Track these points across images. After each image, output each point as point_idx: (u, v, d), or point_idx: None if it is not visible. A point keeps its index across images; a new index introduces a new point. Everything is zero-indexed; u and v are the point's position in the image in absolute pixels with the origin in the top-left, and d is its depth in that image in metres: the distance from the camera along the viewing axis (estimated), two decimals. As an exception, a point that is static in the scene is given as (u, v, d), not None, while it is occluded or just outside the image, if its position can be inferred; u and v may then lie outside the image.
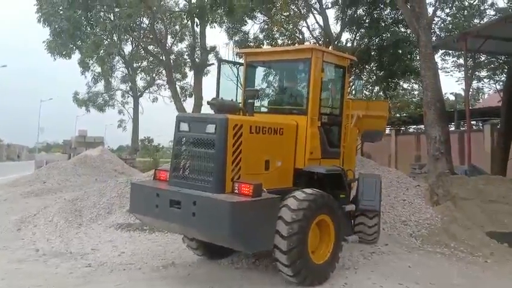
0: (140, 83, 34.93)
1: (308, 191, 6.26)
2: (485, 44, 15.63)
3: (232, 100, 6.93)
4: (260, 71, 7.68)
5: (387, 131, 31.68)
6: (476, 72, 28.25)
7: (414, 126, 33.68)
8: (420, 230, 9.58)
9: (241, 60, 7.79)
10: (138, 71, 34.17)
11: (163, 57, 25.16)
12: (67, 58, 19.30)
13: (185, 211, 5.57)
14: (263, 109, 7.58)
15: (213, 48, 25.80)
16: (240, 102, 7.43)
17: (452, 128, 26.58)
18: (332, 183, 7.02)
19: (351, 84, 8.17)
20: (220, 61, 7.62)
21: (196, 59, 24.81)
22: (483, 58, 26.41)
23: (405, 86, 32.84)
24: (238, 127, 5.83)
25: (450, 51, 26.32)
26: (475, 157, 20.72)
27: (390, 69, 26.33)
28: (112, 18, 20.77)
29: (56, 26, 17.66)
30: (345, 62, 7.46)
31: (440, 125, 10.46)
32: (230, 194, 5.61)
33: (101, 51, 19.28)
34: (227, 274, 6.67)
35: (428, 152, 10.40)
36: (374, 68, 29.79)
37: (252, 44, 27.22)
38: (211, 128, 5.77)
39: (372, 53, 27.58)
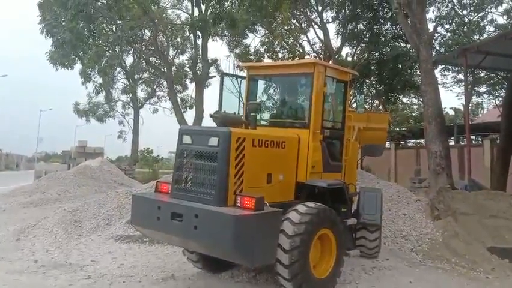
0: (141, 94, 35.11)
1: (310, 204, 6.25)
2: (485, 59, 15.74)
3: (234, 113, 6.96)
4: (262, 85, 7.73)
5: (387, 145, 31.79)
6: (476, 88, 28.42)
7: (414, 140, 33.71)
8: (421, 244, 9.54)
9: (243, 74, 7.85)
10: (139, 83, 34.32)
11: (165, 69, 25.30)
12: (69, 69, 19.42)
13: (187, 224, 5.55)
14: (265, 122, 7.60)
15: (215, 61, 25.97)
16: (242, 116, 7.45)
17: (452, 143, 26.63)
18: (333, 197, 7.01)
19: (353, 98, 8.21)
20: (223, 74, 7.67)
21: (198, 72, 24.94)
22: (482, 74, 26.60)
23: (404, 100, 33.10)
24: (241, 140, 5.85)
25: (450, 67, 26.54)
26: (475, 172, 20.72)
27: (390, 83, 26.52)
28: (115, 30, 20.91)
29: (59, 38, 17.79)
30: (346, 77, 7.51)
31: (440, 139, 10.48)
32: (232, 207, 5.60)
33: (103, 63, 19.35)
34: (227, 287, 6.63)
35: (429, 166, 10.42)
36: (373, 82, 29.98)
37: (252, 57, 27.41)
38: (214, 141, 5.78)
39: (372, 67, 27.78)
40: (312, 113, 6.79)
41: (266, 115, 7.70)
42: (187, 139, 6.11)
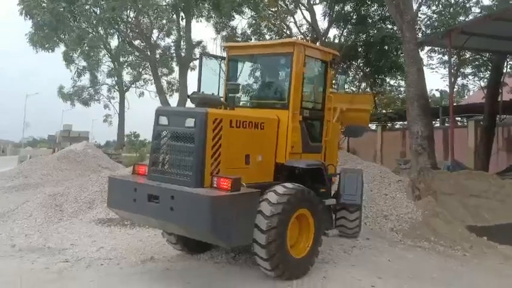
0: (126, 77, 34.63)
1: (288, 185, 6.25)
2: (470, 41, 15.74)
3: (213, 94, 6.88)
4: (243, 65, 7.63)
5: (373, 127, 31.93)
6: (461, 69, 28.54)
7: (401, 122, 33.88)
8: (402, 224, 9.64)
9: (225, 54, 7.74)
10: (124, 66, 33.85)
11: (148, 51, 24.99)
12: (50, 51, 18.96)
13: (164, 205, 5.52)
14: (245, 103, 7.54)
15: (199, 43, 25.66)
16: (222, 97, 7.38)
17: (437, 124, 26.82)
18: (312, 177, 7.01)
19: (335, 79, 8.16)
20: (202, 55, 7.55)
21: (182, 54, 24.64)
22: (468, 55, 26.69)
23: (391, 82, 33.14)
24: (218, 121, 5.79)
25: (436, 48, 26.56)
26: (459, 153, 20.93)
27: (376, 65, 26.50)
28: (98, 12, 20.45)
29: (39, 19, 17.35)
30: (327, 57, 7.44)
31: (422, 120, 10.51)
32: (209, 189, 5.57)
33: (85, 45, 18.94)
34: (206, 269, 6.64)
35: (410, 147, 10.46)
36: (361, 64, 29.94)
37: (239, 39, 27.14)
38: (190, 122, 5.72)
39: (359, 50, 27.69)
40: (292, 93, 6.74)
41: (246, 96, 7.64)
42: (163, 120, 6.04)
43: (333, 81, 8.18)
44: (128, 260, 7.00)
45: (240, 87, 6.90)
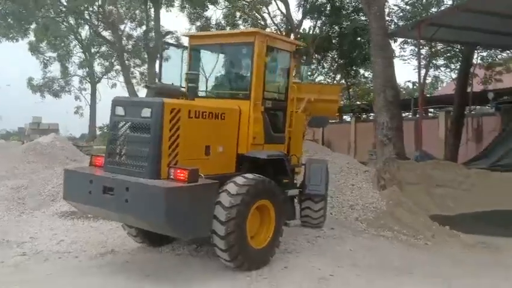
0: (98, 68, 33.95)
1: (249, 176, 6.22)
2: (439, 32, 15.98)
3: (172, 84, 6.78)
4: (205, 55, 7.52)
5: (347, 119, 32.22)
6: (434, 61, 28.94)
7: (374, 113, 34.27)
8: (367, 213, 9.76)
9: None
10: (96, 56, 33.18)
11: (117, 42, 24.60)
12: (15, 41, 18.30)
13: (118, 197, 5.43)
14: (208, 94, 7.44)
15: (168, 33, 25.29)
16: (183, 87, 7.27)
17: (410, 115, 27.22)
18: (275, 168, 6.99)
19: (302, 69, 8.14)
20: (163, 44, 7.41)
21: (151, 44, 24.25)
22: (440, 47, 27.08)
23: (366, 74, 33.47)
24: (175, 111, 5.69)
25: (409, 40, 26.89)
26: (430, 143, 21.30)
27: (350, 57, 26.70)
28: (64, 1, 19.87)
29: (1, 8, 16.72)
30: (290, 47, 7.40)
31: (388, 111, 10.61)
32: (165, 180, 5.49)
33: (50, 35, 18.31)
34: (166, 261, 6.58)
35: (376, 137, 10.57)
36: (335, 56, 30.11)
37: (214, 29, 26.92)
38: (146, 112, 5.61)
39: (333, 41, 27.84)
40: (253, 83, 6.68)
41: (208, 86, 7.54)
42: (119, 110, 5.91)
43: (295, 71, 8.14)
44: (87, 253, 6.88)
45: (199, 77, 6.78)
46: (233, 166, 6.72)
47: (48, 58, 20.61)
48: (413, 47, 29.11)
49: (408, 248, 8.01)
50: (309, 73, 8.44)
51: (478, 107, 25.63)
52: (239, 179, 6.07)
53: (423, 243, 8.34)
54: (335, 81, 33.49)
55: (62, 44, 30.58)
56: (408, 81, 33.49)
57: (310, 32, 27.65)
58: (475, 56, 24.48)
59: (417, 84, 34.19)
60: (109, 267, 6.23)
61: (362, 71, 31.31)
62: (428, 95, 33.64)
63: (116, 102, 6.02)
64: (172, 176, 5.50)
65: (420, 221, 9.36)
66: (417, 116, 27.87)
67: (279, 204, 6.54)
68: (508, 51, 23.40)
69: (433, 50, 26.76)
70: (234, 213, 5.79)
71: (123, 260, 6.59)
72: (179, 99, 6.40)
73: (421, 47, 27.38)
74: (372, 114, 34.59)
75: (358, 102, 31.63)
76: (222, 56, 7.58)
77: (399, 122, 16.23)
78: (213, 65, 7.35)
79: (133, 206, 5.33)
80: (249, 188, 6.00)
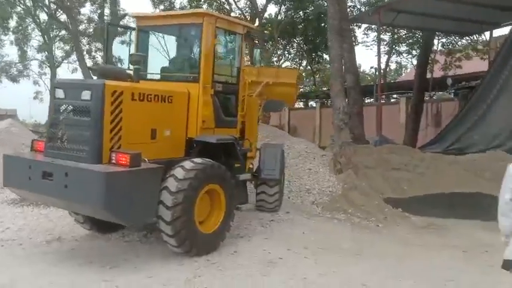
0: (58, 52, 32.77)
1: (197, 160, 6.14)
2: (399, 18, 16.14)
3: (118, 66, 6.57)
4: (153, 37, 7.32)
5: (313, 104, 32.40)
6: (396, 47, 29.36)
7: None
8: (322, 197, 9.84)
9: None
10: (56, 40, 32.02)
11: (70, 24, 23.86)
12: None
13: (58, 183, 5.26)
14: (157, 76, 7.26)
15: (124, 16, 24.54)
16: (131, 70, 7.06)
17: (372, 101, 27.60)
18: (225, 153, 6.92)
19: (254, 53, 8.06)
20: (108, 25, 7.15)
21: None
22: (403, 33, 27.46)
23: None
24: (117, 94, 5.52)
25: (372, 26, 27.16)
26: (391, 129, 21.66)
27: (314, 42, 26.72)
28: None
29: None
30: (241, 29, 7.28)
31: (344, 96, 10.67)
32: (107, 165, 5.33)
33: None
34: (114, 248, 6.46)
35: (332, 122, 10.64)
36: (300, 42, 30.07)
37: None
38: (86, 95, 5.42)
39: (299, 27, 27.77)
40: (202, 66, 6.56)
41: (157, 69, 7.35)
42: (60, 93, 5.69)
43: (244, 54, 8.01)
44: (33, 241, 6.68)
45: (148, 59, 6.57)
46: (182, 150, 6.62)
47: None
48: (376, 33, 29.58)
49: (359, 230, 8.13)
50: (262, 57, 8.37)
51: (440, 92, 26.21)
52: (187, 164, 5.98)
53: (374, 225, 8.49)
54: (300, 68, 33.61)
55: (20, 27, 29.37)
56: (372, 67, 33.85)
57: (276, 18, 27.47)
58: (436, 42, 25.03)
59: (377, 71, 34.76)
60: (54, 255, 6.06)
61: (326, 57, 31.43)
62: (392, 81, 34.19)
63: (57, 84, 5.81)
64: (114, 161, 5.35)
65: (374, 204, 9.52)
66: (382, 101, 28.42)
67: (229, 189, 6.49)
68: (466, 38, 23.91)
69: (396, 36, 27.12)
70: (181, 198, 5.70)
71: (69, 248, 6.43)
72: (126, 81, 6.22)
73: (384, 33, 27.81)
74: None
75: (324, 88, 31.78)
76: (170, 37, 7.39)
77: (359, 108, 16.42)
78: (161, 47, 7.17)
79: (72, 191, 5.17)
80: (197, 173, 5.91)
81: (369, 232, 7.99)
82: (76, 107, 5.54)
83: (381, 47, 30.78)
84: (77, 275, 5.28)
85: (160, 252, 6.17)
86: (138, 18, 7.25)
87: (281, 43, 28.47)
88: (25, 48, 31.25)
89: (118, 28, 15.84)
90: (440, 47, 25.94)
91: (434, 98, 24.30)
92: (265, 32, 26.01)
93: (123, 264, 5.80)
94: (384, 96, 29.66)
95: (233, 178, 6.85)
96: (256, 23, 25.43)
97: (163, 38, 7.32)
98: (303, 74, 34.85)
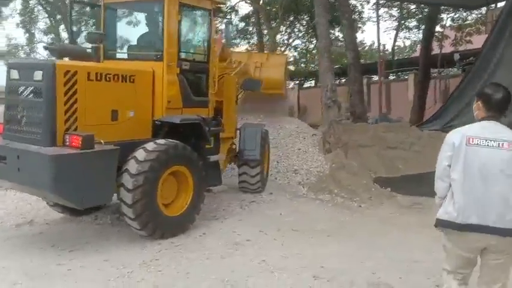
0: (64, 34, 32.69)
1: (161, 141, 5.99)
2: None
3: (78, 45, 6.40)
4: (118, 14, 7.09)
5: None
6: (406, 23, 28.49)
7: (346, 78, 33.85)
8: (310, 177, 9.63)
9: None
10: (62, 22, 31.93)
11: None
12: None
13: (10, 166, 5.18)
14: (122, 55, 7.07)
15: None
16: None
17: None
18: (194, 133, 6.74)
19: (225, 29, 7.73)
20: (72, 2, 6.95)
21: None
22: (413, 7, 26.59)
23: (341, 36, 32.77)
24: (71, 74, 5.35)
25: (381, 1, 26.42)
26: (400, 106, 21.20)
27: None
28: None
29: None
30: (209, 5, 7.01)
31: (332, 73, 10.35)
32: (60, 147, 5.21)
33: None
34: (83, 231, 6.39)
35: (320, 100, 10.35)
36: (307, 19, 29.34)
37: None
38: (38, 75, 5.27)
39: (306, 3, 27.04)
40: (165, 43, 6.34)
41: (122, 47, 7.16)
42: (14, 74, 5.56)
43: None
44: (3, 225, 6.67)
45: (102, 38, 6.37)
46: (149, 132, 6.45)
47: None
48: (386, 9, 28.73)
49: (340, 210, 7.92)
50: (233, 34, 8.02)
51: (448, 69, 25.43)
52: (149, 145, 5.85)
53: (357, 205, 8.25)
54: (310, 46, 32.95)
55: (27, 9, 29.34)
56: (381, 44, 32.87)
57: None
58: (445, 17, 24.20)
59: (385, 47, 33.79)
60: (18, 239, 6.02)
61: (337, 34, 30.64)
62: (406, 57, 33.30)
63: (11, 65, 5.67)
64: (68, 143, 5.23)
65: (362, 184, 9.25)
66: (390, 78, 27.78)
67: (196, 170, 6.33)
68: (476, 12, 23.04)
69: (405, 11, 26.28)
70: (141, 180, 5.58)
71: (38, 232, 6.39)
72: (87, 61, 6.05)
73: (391, 8, 27.01)
74: (343, 78, 34.43)
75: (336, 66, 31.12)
76: (137, 14, 7.18)
77: (359, 85, 16.04)
78: (128, 24, 6.97)
79: (24, 175, 5.09)
80: (159, 154, 5.77)
81: (350, 212, 7.77)
82: (29, 88, 5.41)
83: (389, 22, 30.09)
84: (33, 258, 5.22)
85: (127, 235, 6.09)
86: None
87: (287, 21, 27.84)
88: (32, 31, 31.25)
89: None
90: (450, 22, 25.07)
91: (442, 74, 23.56)
92: (273, 10, 25.36)
93: (85, 247, 5.73)
94: (393, 73, 29.03)
95: (203, 159, 6.70)
96: (261, 2, 24.95)
97: (130, 15, 7.11)
98: (313, 52, 34.30)
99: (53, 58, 5.76)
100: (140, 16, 7.16)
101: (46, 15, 31.42)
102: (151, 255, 5.45)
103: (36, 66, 5.38)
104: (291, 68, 35.75)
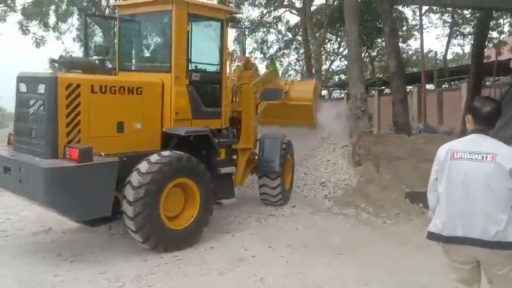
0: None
1: (165, 153, 5.94)
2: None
3: (87, 58, 6.50)
4: (131, 25, 7.14)
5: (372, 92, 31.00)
6: (460, 29, 27.18)
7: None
8: (337, 191, 9.23)
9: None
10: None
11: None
12: (2, 21, 17.44)
13: (14, 178, 5.34)
14: (133, 67, 7.09)
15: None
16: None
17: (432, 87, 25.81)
18: (204, 145, 6.64)
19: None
20: (86, 16, 7.09)
21: None
22: (467, 13, 25.32)
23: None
24: (73, 87, 5.42)
25: (434, 8, 25.44)
26: (453, 116, 20.14)
27: (365, 27, 25.42)
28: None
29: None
30: (221, 15, 6.92)
31: (363, 82, 9.91)
32: (60, 160, 5.27)
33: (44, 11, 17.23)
34: (93, 241, 6.44)
35: (350, 110, 9.94)
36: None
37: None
38: (42, 88, 5.39)
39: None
40: (173, 55, 6.30)
41: (136, 59, 7.20)
42: (22, 87, 5.73)
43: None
44: (22, 232, 6.87)
45: (107, 49, 6.43)
46: (158, 143, 6.42)
47: (40, 38, 18.90)
48: (438, 15, 27.58)
49: (362, 226, 7.49)
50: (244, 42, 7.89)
51: (504, 77, 23.90)
52: (153, 157, 5.81)
53: (382, 221, 7.78)
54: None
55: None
56: (432, 51, 31.57)
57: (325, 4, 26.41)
58: (502, 22, 22.81)
59: (436, 55, 32.33)
60: (26, 246, 6.15)
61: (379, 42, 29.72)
62: (459, 65, 31.72)
63: (20, 78, 5.84)
64: (67, 156, 5.28)
65: (391, 198, 8.73)
66: (444, 86, 26.49)
67: (203, 183, 6.22)
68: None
69: (459, 16, 25.04)
70: (142, 192, 5.55)
71: (50, 240, 6.52)
72: (96, 73, 6.14)
73: (445, 14, 25.84)
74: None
75: (380, 75, 30.26)
76: (147, 26, 7.21)
77: (403, 94, 15.33)
78: (139, 36, 7.01)
79: (25, 186, 5.22)
80: (162, 166, 5.71)
81: (371, 229, 7.32)
82: (35, 101, 5.54)
83: (441, 29, 28.87)
84: (34, 267, 5.30)
85: (133, 247, 6.05)
86: (121, 6, 7.09)
87: (334, 30, 27.39)
88: (90, 45, 32.71)
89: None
90: (508, 27, 23.57)
91: (497, 83, 22.15)
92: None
93: (88, 258, 5.76)
94: (445, 81, 27.69)
95: (213, 171, 6.58)
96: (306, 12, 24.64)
97: (144, 27, 7.16)
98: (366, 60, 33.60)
99: (67, 71, 5.87)
100: (152, 28, 7.21)
101: (101, 30, 32.89)
102: (148, 268, 5.38)
103: (40, 79, 5.50)
104: (342, 77, 35.22)
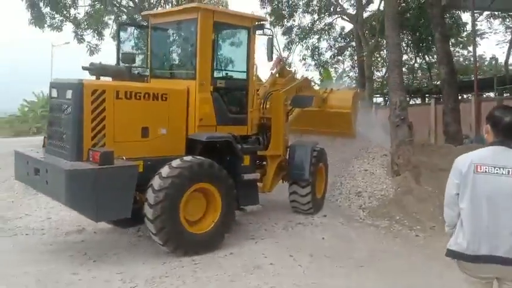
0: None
1: (186, 158, 6.04)
2: (497, 1, 13.99)
3: (116, 65, 6.74)
4: (160, 34, 7.33)
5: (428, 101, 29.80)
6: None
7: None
8: (372, 201, 8.96)
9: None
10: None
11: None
12: (58, 31, 18.30)
13: (43, 179, 5.61)
14: (160, 74, 7.26)
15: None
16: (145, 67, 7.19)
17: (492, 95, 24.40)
18: (228, 151, 6.67)
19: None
20: (120, 24, 7.36)
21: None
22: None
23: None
24: (98, 92, 5.65)
25: (496, 13, 24.28)
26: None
27: (419, 33, 24.60)
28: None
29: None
30: (248, 22, 6.95)
31: (403, 89, 9.54)
32: (84, 162, 5.49)
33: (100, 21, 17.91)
34: (120, 242, 6.63)
35: (389, 118, 9.60)
36: (407, 33, 27.87)
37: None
38: (69, 94, 5.66)
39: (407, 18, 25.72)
40: (198, 62, 6.41)
41: (166, 66, 7.37)
42: (54, 93, 6.06)
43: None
44: (57, 231, 7.19)
45: (134, 57, 6.62)
46: (182, 149, 6.54)
47: (94, 46, 19.36)
48: (499, 20, 26.19)
49: (392, 239, 7.21)
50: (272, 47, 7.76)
51: None
52: (175, 162, 5.93)
53: (414, 235, 7.44)
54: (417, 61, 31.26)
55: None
56: (492, 57, 29.86)
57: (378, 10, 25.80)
58: None
59: (496, 60, 30.52)
60: (58, 245, 6.43)
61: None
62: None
63: (52, 84, 6.18)
64: (91, 159, 5.50)
65: (428, 211, 8.33)
66: (506, 95, 24.94)
67: (225, 188, 6.25)
68: None
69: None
70: (162, 196, 5.66)
71: (80, 239, 6.79)
72: (124, 80, 6.36)
73: (507, 19, 24.49)
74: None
75: (435, 83, 29.06)
76: (176, 34, 7.38)
77: (454, 103, 14.67)
78: (169, 44, 7.19)
79: (51, 187, 5.46)
80: (182, 171, 5.81)
81: (401, 243, 7.02)
82: (64, 106, 5.83)
83: (503, 35, 27.34)
84: (56, 265, 5.54)
85: (156, 249, 6.18)
86: (152, 16, 7.32)
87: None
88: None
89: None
90: None
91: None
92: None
93: (111, 258, 5.95)
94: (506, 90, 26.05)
95: (237, 177, 6.60)
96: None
97: (174, 35, 7.35)
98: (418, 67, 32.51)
99: (97, 78, 6.14)
100: (180, 36, 7.36)
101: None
102: (164, 271, 5.46)
103: (68, 85, 5.77)
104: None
